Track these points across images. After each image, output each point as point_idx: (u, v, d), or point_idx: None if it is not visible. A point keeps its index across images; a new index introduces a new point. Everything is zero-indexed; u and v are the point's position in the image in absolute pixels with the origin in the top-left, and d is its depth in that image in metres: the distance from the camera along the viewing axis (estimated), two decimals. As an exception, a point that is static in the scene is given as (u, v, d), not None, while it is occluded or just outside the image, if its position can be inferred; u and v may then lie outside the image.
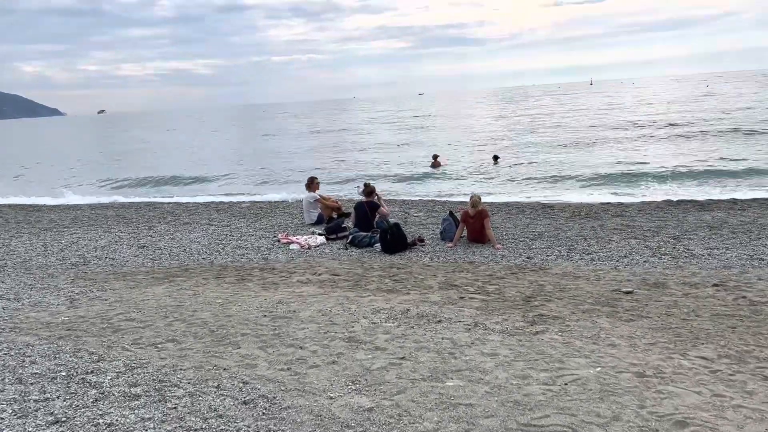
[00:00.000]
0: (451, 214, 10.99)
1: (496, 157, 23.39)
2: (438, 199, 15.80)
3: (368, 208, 11.33)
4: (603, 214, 12.30)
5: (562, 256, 8.96)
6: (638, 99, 66.60)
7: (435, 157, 23.11)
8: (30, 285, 8.16)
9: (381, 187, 15.10)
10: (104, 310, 6.67)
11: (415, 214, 13.18)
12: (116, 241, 11.87)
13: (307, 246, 10.70)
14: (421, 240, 10.44)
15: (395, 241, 9.93)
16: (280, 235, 11.63)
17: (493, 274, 8.06)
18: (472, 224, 10.12)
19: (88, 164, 37.02)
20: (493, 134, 36.46)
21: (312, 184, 13.16)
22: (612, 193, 15.36)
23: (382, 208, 11.40)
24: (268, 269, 9.02)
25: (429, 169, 22.15)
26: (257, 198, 17.50)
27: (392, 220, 11.15)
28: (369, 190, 11.63)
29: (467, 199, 10.85)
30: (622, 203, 13.68)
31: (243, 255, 10.25)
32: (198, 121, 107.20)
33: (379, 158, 27.66)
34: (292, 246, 10.78)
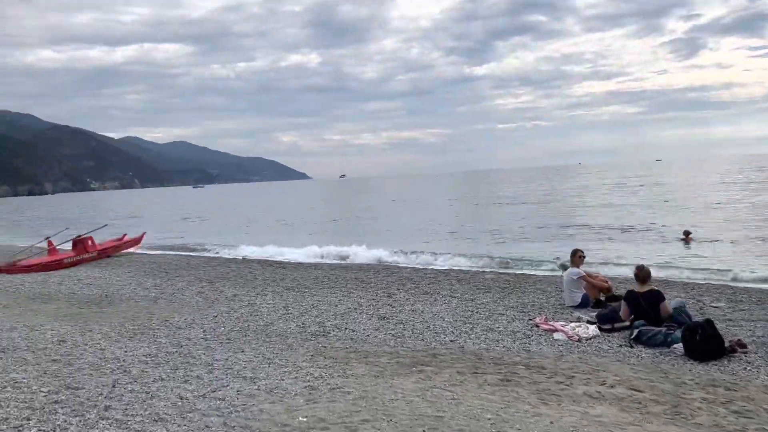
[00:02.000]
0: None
1: (687, 233, 19.68)
2: (736, 284, 12.44)
3: (645, 300, 8.70)
4: None
5: None
6: None
7: (686, 233, 19.79)
8: (268, 359, 7.26)
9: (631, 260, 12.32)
10: (347, 412, 5.30)
11: (714, 305, 10.22)
12: (355, 308, 10.94)
13: (576, 337, 8.54)
14: (742, 345, 7.64)
15: (708, 344, 7.32)
16: (537, 319, 9.66)
17: None
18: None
19: (327, 222, 39.12)
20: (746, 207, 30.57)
21: (575, 257, 11.02)
22: None
23: (664, 303, 8.66)
24: (535, 367, 7.09)
25: (680, 246, 18.99)
26: (500, 269, 15.73)
27: (692, 313, 8.49)
28: (645, 274, 9.01)
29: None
30: None
31: (497, 341, 8.47)
32: (428, 185, 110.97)
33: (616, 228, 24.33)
34: (556, 335, 8.71)
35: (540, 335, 8.81)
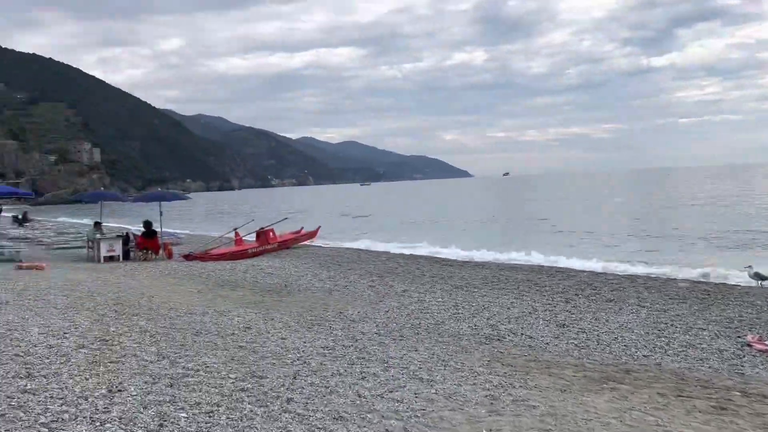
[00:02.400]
0: None
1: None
2: None
3: None
4: None
5: None
6: None
7: None
8: (443, 360, 6.94)
9: None
10: (535, 429, 4.79)
11: None
12: (530, 313, 10.29)
13: (804, 363, 7.18)
14: None
15: None
16: (749, 337, 8.33)
17: None
18: None
19: (491, 222, 38.29)
20: None
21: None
22: None
23: None
24: (755, 395, 6.01)
25: None
26: (696, 278, 14.01)
27: None
28: None
29: None
30: None
31: (701, 361, 7.39)
32: (599, 184, 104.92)
33: None
34: (777, 358, 7.41)
35: (755, 356, 7.56)
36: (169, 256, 18.38)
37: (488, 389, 5.86)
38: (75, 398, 4.70)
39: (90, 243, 18.76)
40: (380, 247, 23.08)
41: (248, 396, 5.07)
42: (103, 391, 4.93)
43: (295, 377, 5.78)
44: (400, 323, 9.25)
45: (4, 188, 23.33)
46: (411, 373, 6.29)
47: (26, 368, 5.48)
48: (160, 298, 10.59)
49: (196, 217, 54.58)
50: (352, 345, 7.47)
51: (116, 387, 5.06)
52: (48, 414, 4.32)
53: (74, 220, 48.25)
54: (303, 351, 6.95)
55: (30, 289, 10.57)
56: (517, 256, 18.98)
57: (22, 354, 5.97)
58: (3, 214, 47.38)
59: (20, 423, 4.13)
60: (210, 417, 4.50)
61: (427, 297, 11.82)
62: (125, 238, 18.60)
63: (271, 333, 7.94)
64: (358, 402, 5.17)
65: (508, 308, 10.67)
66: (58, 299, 9.60)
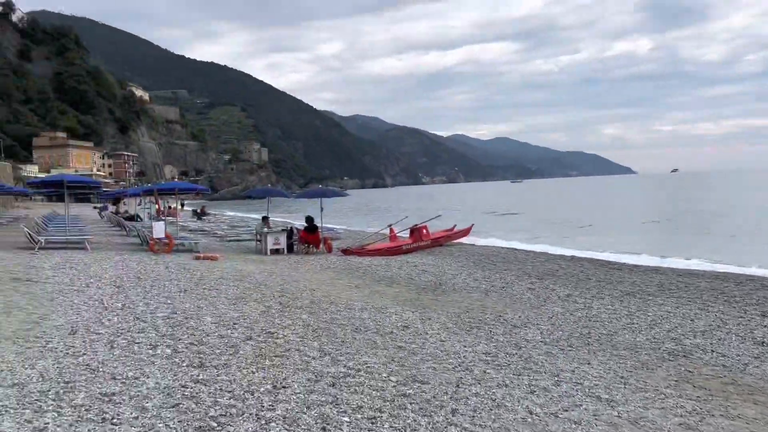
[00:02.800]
0: None
1: None
2: None
3: None
4: None
5: None
6: None
7: None
8: (622, 378, 6.19)
9: None
10: (751, 473, 3.98)
11: None
12: (719, 326, 9.03)
13: None
14: None
15: None
16: None
17: None
18: None
19: (659, 222, 35.23)
20: None
21: None
22: None
23: None
24: None
25: None
26: None
27: None
28: None
29: None
30: None
31: None
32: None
33: None
34: None
35: None
36: (329, 250, 18.96)
37: (681, 416, 5.07)
38: (242, 392, 4.72)
39: (258, 236, 19.92)
40: (537, 247, 22.07)
41: (411, 403, 4.79)
42: (269, 386, 4.92)
43: (458, 385, 5.41)
44: (566, 331, 8.53)
45: (185, 184, 25.66)
46: (586, 390, 5.65)
47: (199, 357, 5.67)
48: (321, 291, 10.79)
49: (352, 213, 56.55)
50: (516, 353, 6.95)
51: (281, 383, 5.03)
52: (217, 407, 4.35)
53: (244, 215, 52.17)
54: (464, 356, 6.57)
55: (205, 279, 11.30)
56: (695, 261, 17.08)
57: (196, 343, 6.22)
58: (185, 208, 52.50)
59: (192, 415, 4.18)
60: (373, 424, 4.28)
61: (595, 303, 10.90)
62: (289, 232, 19.50)
63: (429, 334, 7.65)
64: (529, 420, 4.68)
65: (692, 320, 9.47)
66: (230, 290, 10.12)
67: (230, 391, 4.73)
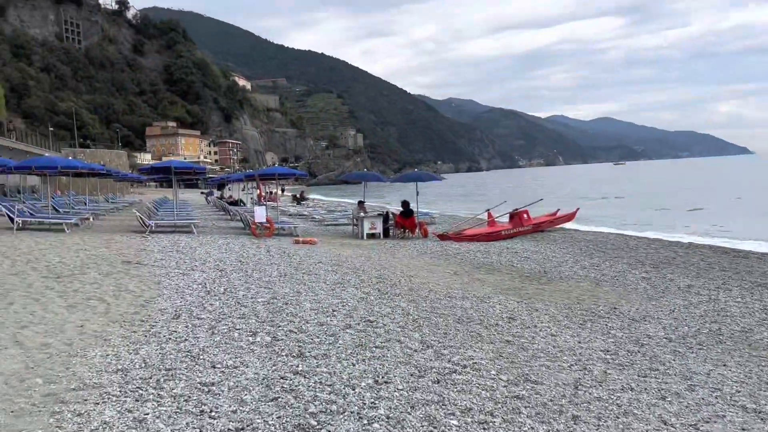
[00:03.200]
0: None
1: None
2: None
3: None
4: None
5: None
6: None
7: None
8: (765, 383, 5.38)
9: None
10: None
11: None
12: None
13: None
14: None
15: None
16: None
17: None
18: None
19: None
20: None
21: None
22: None
23: None
24: None
25: None
26: None
27: None
28: None
29: None
30: None
31: None
32: None
33: None
34: None
35: None
36: (425, 235, 18.61)
37: None
38: (342, 387, 4.46)
39: (355, 220, 19.90)
40: (648, 233, 20.61)
41: (525, 406, 4.33)
42: (370, 381, 4.63)
43: (576, 387, 4.88)
44: (692, 327, 7.67)
45: (284, 170, 26.19)
46: (727, 397, 4.93)
47: (299, 346, 5.49)
48: (419, 278, 10.45)
49: (447, 197, 55.91)
50: (638, 351, 6.27)
51: (382, 377, 4.72)
52: (317, 403, 4.10)
53: (341, 199, 52.91)
54: (579, 353, 5.99)
55: (304, 264, 11.28)
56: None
57: (295, 330, 6.05)
58: (285, 193, 54.01)
59: (290, 410, 3.95)
60: (485, 429, 3.86)
61: (721, 295, 9.84)
62: (385, 217, 19.32)
63: (538, 327, 7.10)
64: (664, 432, 4.09)
65: (843, 317, 8.28)
66: (328, 275, 10.00)
67: (330, 385, 4.48)
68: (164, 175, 21.44)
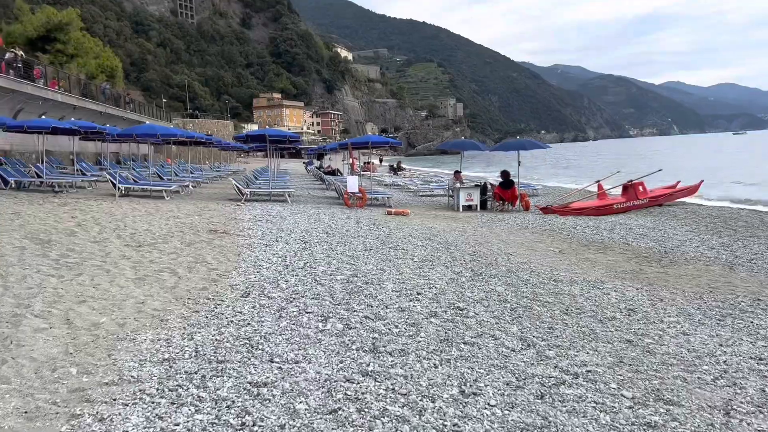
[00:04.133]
0: None
1: None
2: None
3: None
4: None
5: None
6: None
7: None
8: None
9: None
10: None
11: None
12: None
13: None
14: None
15: None
16: None
17: None
18: None
19: None
20: None
21: None
22: None
23: None
24: None
25: None
26: None
27: None
28: None
29: None
30: None
31: None
32: None
33: None
34: None
35: None
36: (526, 207, 17.29)
37: None
38: (419, 397, 3.59)
39: (450, 191, 18.90)
40: (787, 209, 18.05)
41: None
42: (454, 390, 3.73)
43: (728, 413, 3.73)
44: None
45: (378, 138, 25.57)
46: None
47: (373, 338, 4.68)
48: (519, 257, 9.36)
49: (552, 167, 53.22)
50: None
51: (470, 386, 3.81)
52: (385, 420, 3.26)
53: (438, 170, 51.78)
54: (726, 362, 4.75)
55: (393, 236, 10.50)
56: None
57: (371, 317, 5.25)
58: (383, 163, 53.64)
59: (351, 429, 3.14)
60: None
61: None
62: (483, 188, 18.15)
63: (665, 322, 5.87)
64: None
65: None
66: (416, 250, 9.15)
67: (404, 394, 3.63)
68: (260, 144, 21.42)
